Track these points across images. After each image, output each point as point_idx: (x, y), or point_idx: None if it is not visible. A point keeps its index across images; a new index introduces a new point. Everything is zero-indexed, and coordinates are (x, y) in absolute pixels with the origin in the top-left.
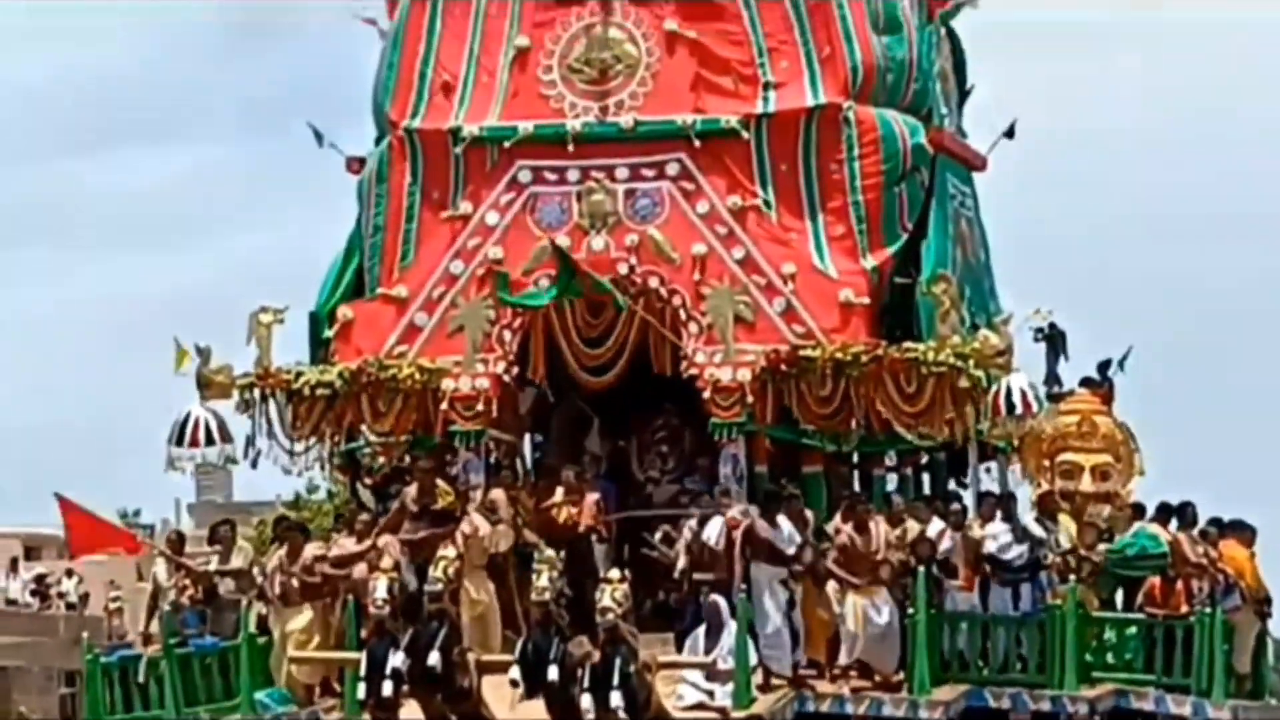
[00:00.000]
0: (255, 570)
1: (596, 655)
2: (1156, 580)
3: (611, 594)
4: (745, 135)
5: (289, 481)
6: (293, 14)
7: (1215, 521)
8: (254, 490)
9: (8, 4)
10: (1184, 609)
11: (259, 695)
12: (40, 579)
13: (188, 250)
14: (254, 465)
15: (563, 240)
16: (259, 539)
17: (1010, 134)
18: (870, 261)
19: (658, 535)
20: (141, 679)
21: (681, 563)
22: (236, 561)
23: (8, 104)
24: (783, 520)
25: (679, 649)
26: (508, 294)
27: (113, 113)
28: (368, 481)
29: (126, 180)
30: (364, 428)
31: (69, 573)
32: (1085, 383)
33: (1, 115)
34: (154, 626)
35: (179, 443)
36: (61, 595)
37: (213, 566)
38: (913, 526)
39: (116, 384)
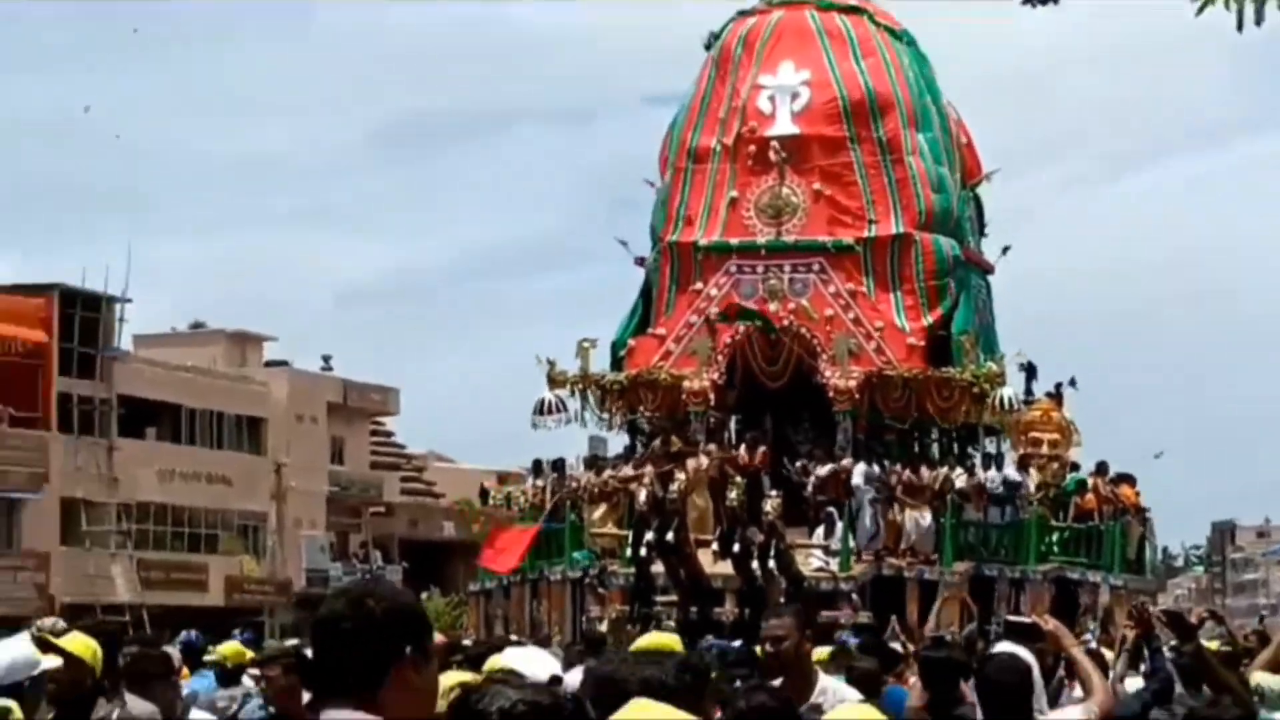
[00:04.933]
0: (572, 483)
1: (761, 538)
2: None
3: (772, 503)
4: (857, 249)
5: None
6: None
7: (1119, 474)
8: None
9: None
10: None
11: (575, 554)
12: None
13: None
14: (583, 425)
15: (752, 306)
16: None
17: (1005, 251)
18: (927, 321)
19: (797, 464)
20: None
21: (808, 489)
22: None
23: None
24: (874, 465)
25: (810, 537)
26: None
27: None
28: (642, 438)
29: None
30: (640, 408)
31: None
32: (1047, 394)
33: None
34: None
35: (538, 413)
36: None
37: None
38: (943, 472)
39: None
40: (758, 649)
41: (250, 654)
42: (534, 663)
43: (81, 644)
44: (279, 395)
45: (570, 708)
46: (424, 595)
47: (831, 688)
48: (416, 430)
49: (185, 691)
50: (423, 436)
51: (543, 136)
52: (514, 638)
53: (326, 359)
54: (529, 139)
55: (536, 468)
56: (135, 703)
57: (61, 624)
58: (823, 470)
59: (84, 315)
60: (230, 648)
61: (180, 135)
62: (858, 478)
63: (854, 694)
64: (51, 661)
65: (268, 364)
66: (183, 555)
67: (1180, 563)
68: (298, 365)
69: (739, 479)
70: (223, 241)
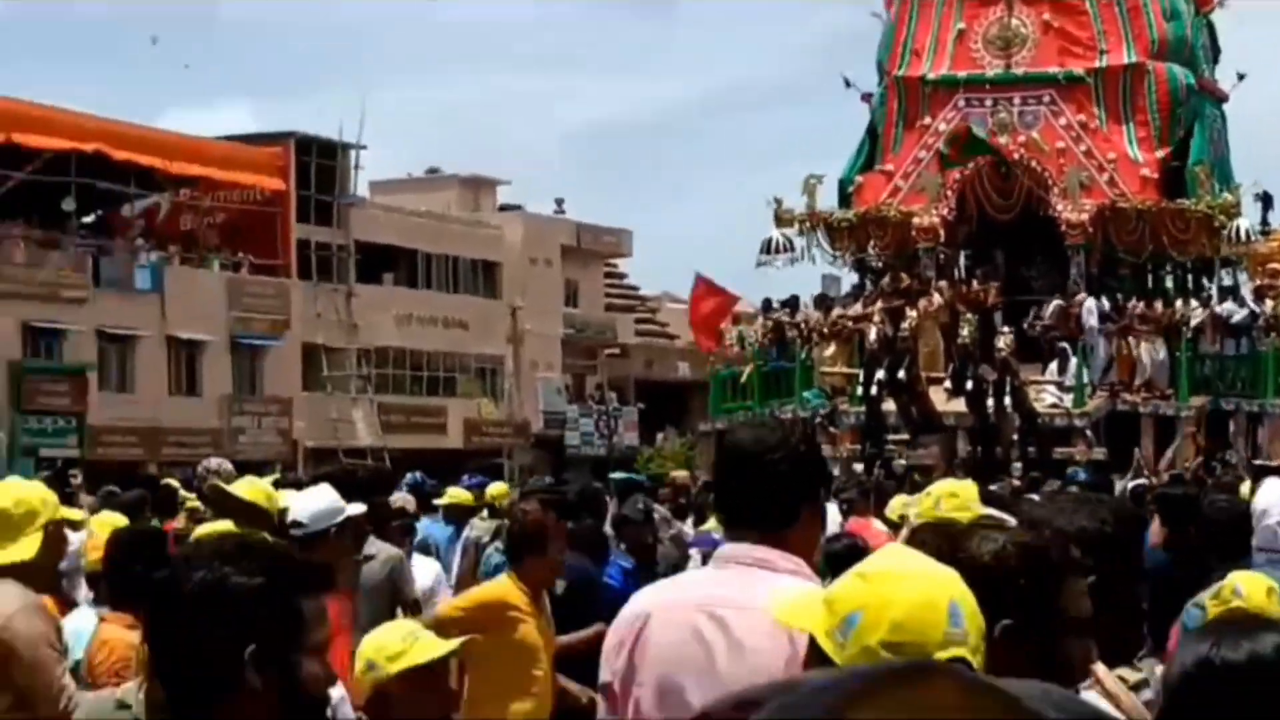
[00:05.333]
0: (803, 324)
1: (994, 375)
2: None
3: (1004, 340)
4: (1088, 80)
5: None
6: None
7: None
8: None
9: None
10: None
11: (805, 394)
12: None
13: None
14: (811, 263)
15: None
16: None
17: (1241, 79)
18: (1160, 153)
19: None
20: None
21: (1040, 327)
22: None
23: None
24: (1107, 298)
25: (1043, 373)
26: (950, 165)
27: None
28: (872, 276)
29: None
30: (869, 246)
31: None
32: None
33: None
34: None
35: (765, 252)
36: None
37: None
38: (1178, 305)
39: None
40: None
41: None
42: None
43: (257, 490)
44: (513, 239)
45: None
46: (659, 436)
47: None
48: (650, 272)
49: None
50: (656, 278)
51: None
52: None
53: (559, 202)
54: None
55: (766, 306)
56: (378, 545)
57: (228, 465)
58: (1055, 306)
59: (320, 163)
60: (497, 488)
61: None
62: (1090, 313)
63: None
64: (356, 508)
65: (501, 208)
66: (422, 399)
67: None
68: (531, 209)
69: (971, 316)
70: (455, 87)
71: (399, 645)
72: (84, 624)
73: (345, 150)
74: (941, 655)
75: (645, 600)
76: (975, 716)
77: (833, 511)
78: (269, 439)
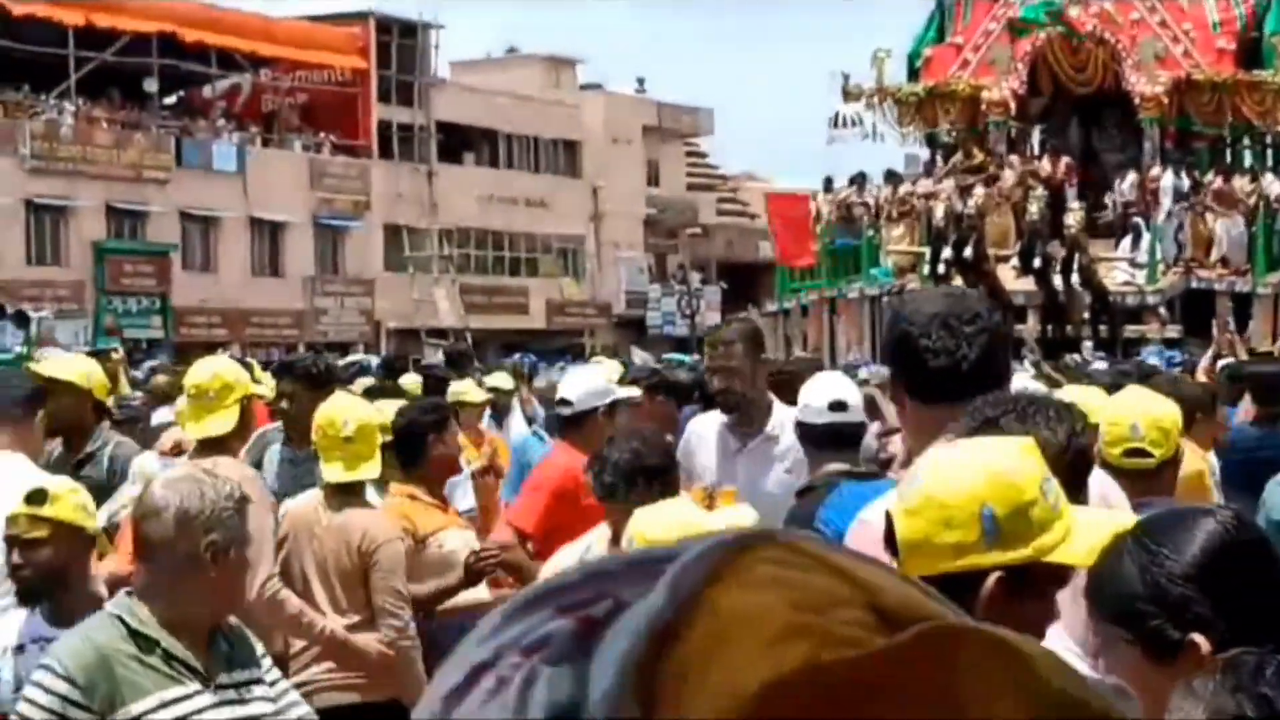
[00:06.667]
0: (871, 201)
1: (1063, 252)
2: None
3: (1074, 216)
4: None
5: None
6: None
7: None
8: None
9: None
10: None
11: (874, 271)
12: None
13: None
14: (882, 139)
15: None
16: None
17: None
18: (1239, 22)
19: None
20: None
21: (1114, 205)
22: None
23: None
24: (1183, 175)
25: (1115, 249)
26: (1024, 33)
27: None
28: (942, 151)
29: None
30: (939, 121)
31: None
32: None
33: None
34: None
35: (834, 127)
36: None
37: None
38: (1257, 179)
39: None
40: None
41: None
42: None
43: (73, 368)
44: (594, 119)
45: None
46: (742, 315)
47: (788, 420)
48: (731, 151)
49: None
50: (737, 157)
51: None
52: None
53: (640, 81)
54: None
55: (827, 185)
56: None
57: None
58: (1129, 180)
59: (400, 43)
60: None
61: None
62: (1165, 187)
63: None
64: (628, 392)
65: (582, 87)
66: (503, 279)
67: None
68: (612, 88)
69: (1040, 191)
70: None
71: None
72: None
73: (425, 30)
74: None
75: None
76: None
77: None
78: (351, 319)
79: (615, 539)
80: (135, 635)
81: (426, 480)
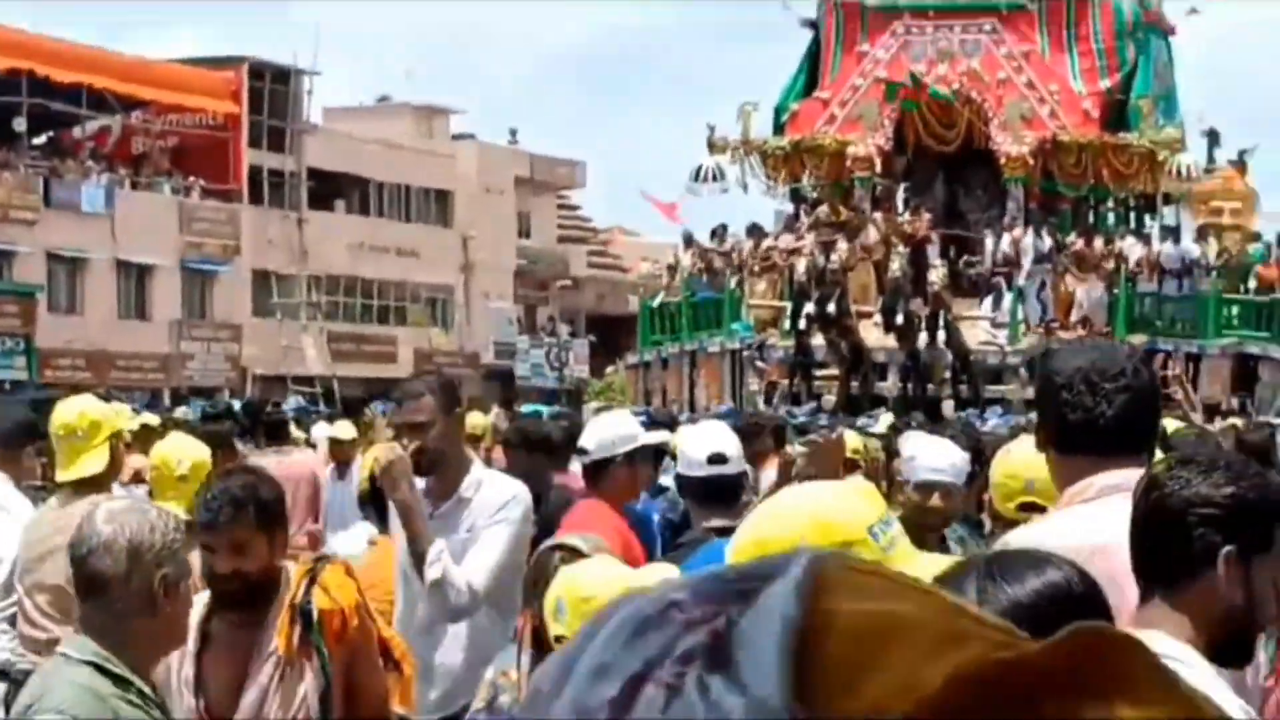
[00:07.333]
0: (734, 254)
1: (926, 309)
2: (1261, 269)
3: (938, 274)
4: (1031, 8)
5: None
6: None
7: None
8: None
9: None
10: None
11: (735, 325)
12: None
13: None
14: (745, 190)
15: (920, 69)
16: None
17: (1192, 13)
18: (1104, 84)
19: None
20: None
21: (984, 266)
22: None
23: None
24: (1046, 235)
25: (979, 308)
26: (893, 96)
27: None
28: (805, 206)
29: None
30: (804, 175)
31: None
32: (1230, 162)
33: None
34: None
35: (695, 180)
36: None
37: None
38: (1116, 242)
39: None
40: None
41: None
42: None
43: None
44: (466, 168)
45: None
46: (609, 369)
47: (488, 478)
48: (603, 203)
49: None
50: (609, 210)
51: None
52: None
53: (513, 132)
54: None
55: (688, 238)
56: None
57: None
58: (992, 240)
59: (273, 88)
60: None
61: None
62: (1026, 247)
63: (512, 486)
64: (656, 436)
65: (455, 137)
66: (372, 327)
67: None
68: (484, 138)
69: (903, 249)
70: (409, 14)
71: None
72: None
73: (298, 75)
74: None
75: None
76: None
77: None
78: (218, 365)
79: None
80: (108, 675)
81: None
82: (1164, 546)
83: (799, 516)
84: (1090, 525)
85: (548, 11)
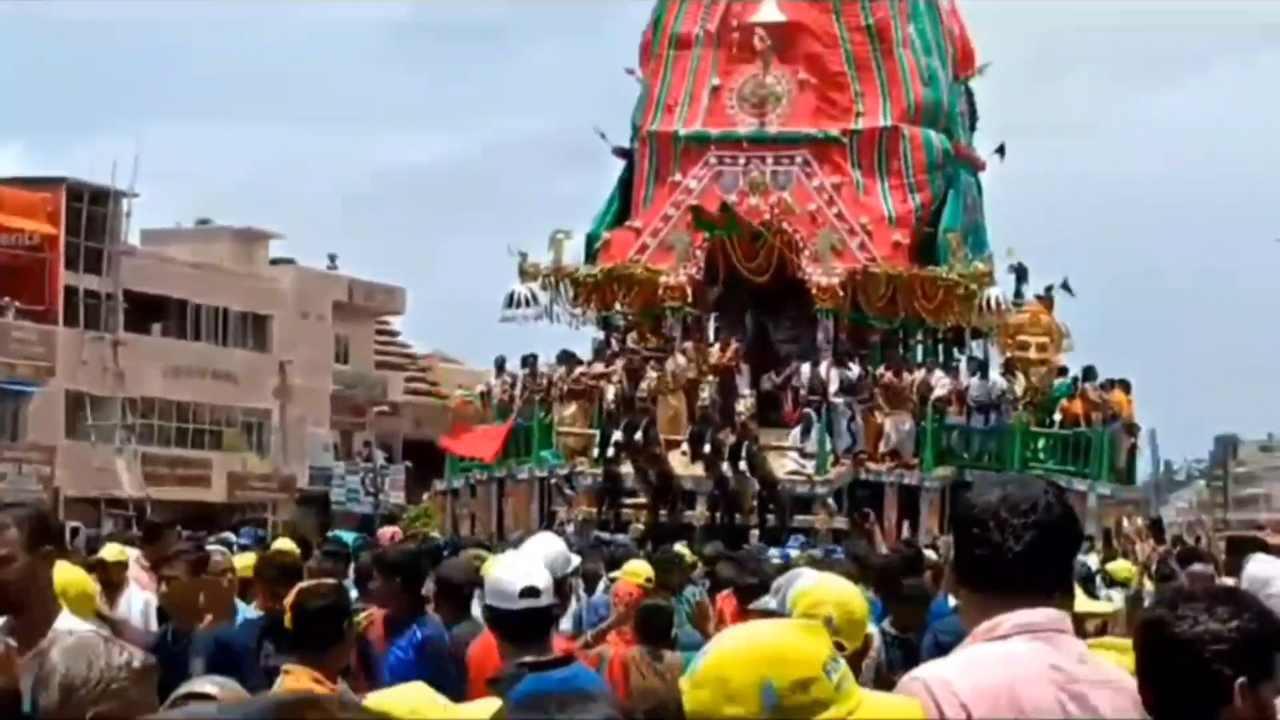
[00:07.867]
0: (543, 380)
1: (733, 439)
2: (1065, 403)
3: (745, 404)
4: (843, 141)
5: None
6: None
7: (1112, 379)
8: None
9: None
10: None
11: (544, 453)
12: None
13: None
14: (551, 320)
15: (733, 199)
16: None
17: (1000, 151)
18: (914, 218)
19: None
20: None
21: (785, 390)
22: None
23: None
24: (854, 367)
25: (788, 439)
26: (703, 226)
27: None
28: (616, 334)
29: None
30: (615, 303)
31: None
32: (1037, 297)
33: None
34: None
35: (508, 306)
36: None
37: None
38: (921, 375)
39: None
40: None
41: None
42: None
43: None
44: (285, 292)
45: None
46: (425, 495)
47: (78, 627)
48: (421, 330)
49: None
50: (428, 336)
51: (547, 34)
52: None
53: (333, 257)
54: (536, 36)
55: (499, 365)
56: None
57: None
58: (801, 371)
59: (91, 209)
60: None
61: (190, 33)
62: (835, 379)
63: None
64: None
65: (274, 261)
66: (187, 451)
67: (1182, 476)
68: (304, 263)
69: (711, 378)
70: (229, 138)
71: None
72: None
73: (117, 197)
74: None
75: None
76: None
77: None
78: (29, 486)
79: None
80: None
81: (327, 669)
82: (1179, 685)
83: (758, 649)
84: (1002, 664)
85: (368, 139)
